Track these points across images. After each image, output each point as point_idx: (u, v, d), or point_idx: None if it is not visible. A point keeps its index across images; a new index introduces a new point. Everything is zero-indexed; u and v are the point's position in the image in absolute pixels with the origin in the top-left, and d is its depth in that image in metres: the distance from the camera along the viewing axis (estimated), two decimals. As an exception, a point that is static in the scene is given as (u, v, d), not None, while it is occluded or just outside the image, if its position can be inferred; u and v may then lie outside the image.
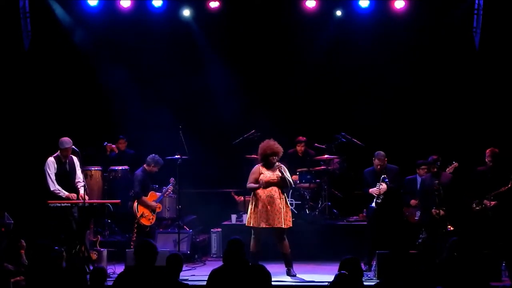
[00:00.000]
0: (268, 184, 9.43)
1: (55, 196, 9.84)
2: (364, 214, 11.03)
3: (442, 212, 9.67)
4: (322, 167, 12.08)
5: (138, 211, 10.72)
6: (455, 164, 10.04)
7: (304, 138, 12.29)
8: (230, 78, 12.87)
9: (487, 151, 10.11)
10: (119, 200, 10.41)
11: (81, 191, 9.90)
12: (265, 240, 9.68)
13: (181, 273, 6.95)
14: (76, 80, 12.78)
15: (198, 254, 11.19)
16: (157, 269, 6.68)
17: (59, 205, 9.76)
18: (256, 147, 9.84)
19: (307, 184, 11.97)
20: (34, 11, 12.55)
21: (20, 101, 12.45)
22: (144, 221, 10.74)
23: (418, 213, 10.40)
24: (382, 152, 9.98)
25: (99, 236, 10.53)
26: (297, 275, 9.50)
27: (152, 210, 10.86)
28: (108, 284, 7.05)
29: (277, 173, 9.46)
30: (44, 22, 12.62)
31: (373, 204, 9.87)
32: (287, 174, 9.54)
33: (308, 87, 13.02)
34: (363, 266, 8.55)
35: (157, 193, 11.08)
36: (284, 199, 9.50)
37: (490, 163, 10.04)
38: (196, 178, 12.08)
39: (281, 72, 12.98)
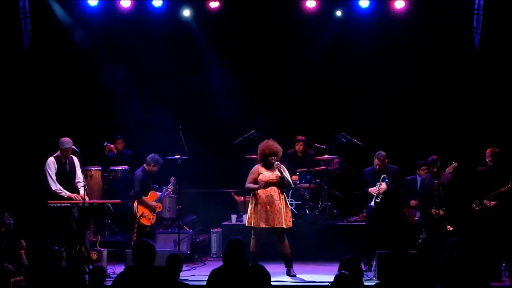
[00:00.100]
0: (267, 184, 9.43)
1: (56, 196, 9.84)
2: (364, 214, 11.02)
3: (441, 212, 9.67)
4: (322, 167, 12.08)
5: (138, 211, 10.72)
6: (454, 164, 10.05)
7: (303, 137, 12.29)
8: (230, 78, 12.87)
9: (488, 151, 10.11)
10: (119, 200, 10.41)
11: (81, 191, 9.90)
12: (265, 240, 9.69)
13: (181, 273, 6.95)
14: (76, 80, 12.78)
15: (198, 254, 11.19)
16: (157, 269, 6.68)
17: (59, 205, 9.76)
18: (256, 147, 9.84)
19: (307, 184, 11.97)
20: (34, 11, 12.55)
21: (20, 101, 12.45)
22: (144, 221, 10.74)
23: (418, 214, 10.40)
24: (383, 153, 9.98)
25: (99, 236, 10.54)
26: (297, 275, 9.50)
27: (152, 210, 10.86)
28: (108, 284, 7.05)
29: (276, 173, 9.46)
30: (44, 22, 12.62)
31: (372, 203, 9.87)
32: (287, 174, 9.54)
33: (308, 87, 13.02)
34: (363, 266, 8.57)
35: (157, 193, 11.09)
36: (283, 199, 9.50)
37: (490, 163, 10.03)
38: (196, 178, 12.09)
39: (281, 72, 12.98)
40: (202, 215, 12.31)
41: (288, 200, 11.43)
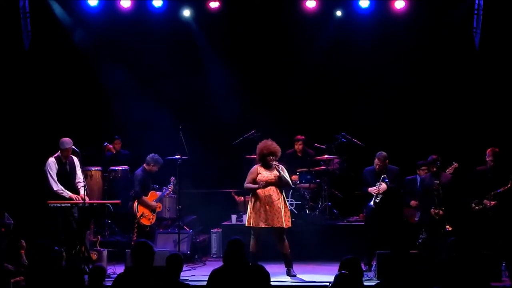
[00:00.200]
0: (266, 184, 9.44)
1: (57, 196, 9.85)
2: (364, 214, 11.02)
3: (441, 212, 9.68)
4: (322, 167, 12.08)
5: (138, 211, 10.73)
6: (455, 164, 10.05)
7: (302, 137, 12.28)
8: (230, 78, 12.87)
9: (488, 150, 10.09)
10: (119, 200, 10.43)
11: (81, 191, 9.91)
12: (265, 240, 9.68)
13: (181, 274, 6.95)
14: (76, 80, 12.78)
15: (198, 254, 11.18)
16: (157, 270, 6.68)
17: (59, 205, 9.77)
18: (256, 147, 9.84)
19: (307, 184, 11.97)
20: (34, 11, 12.55)
21: (20, 101, 12.45)
22: (144, 221, 10.75)
23: (418, 214, 10.41)
24: (383, 153, 9.98)
25: (99, 236, 10.53)
26: (297, 275, 9.49)
27: (152, 210, 10.86)
28: (108, 284, 7.06)
29: (275, 173, 9.47)
30: (44, 22, 12.62)
31: (371, 203, 9.87)
32: (285, 174, 9.54)
33: (308, 87, 13.02)
34: (363, 266, 8.57)
35: (158, 193, 11.09)
36: (282, 198, 9.50)
37: (491, 163, 10.02)
38: (196, 178, 12.09)
39: (281, 72, 12.98)
40: (202, 215, 12.30)
41: (288, 200, 11.51)
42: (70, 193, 9.90)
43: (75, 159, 10.13)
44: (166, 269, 6.70)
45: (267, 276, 6.78)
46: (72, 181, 10.03)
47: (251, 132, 11.70)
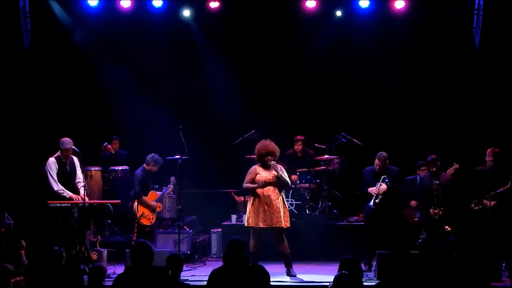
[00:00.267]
0: (265, 184, 9.44)
1: (58, 196, 9.86)
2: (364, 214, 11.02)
3: (440, 212, 9.68)
4: (322, 167, 12.08)
5: (138, 211, 10.72)
6: (456, 165, 10.04)
7: (302, 137, 12.28)
8: (230, 78, 12.87)
9: (488, 151, 10.09)
10: (119, 200, 10.43)
11: (81, 191, 9.92)
12: (265, 240, 9.68)
13: (181, 274, 6.95)
14: (76, 80, 12.78)
15: (198, 254, 11.19)
16: (158, 270, 6.69)
17: (59, 205, 9.78)
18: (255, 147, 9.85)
19: (307, 185, 11.96)
20: (34, 11, 12.55)
21: (20, 101, 12.45)
22: (144, 221, 10.74)
23: (418, 214, 10.40)
24: (384, 153, 9.98)
25: (99, 236, 10.53)
26: (297, 275, 9.50)
27: (152, 209, 10.86)
28: (107, 284, 7.05)
29: (274, 173, 9.48)
30: (44, 22, 12.62)
31: (371, 203, 9.86)
32: (284, 174, 9.55)
33: (308, 87, 13.02)
34: (363, 266, 8.56)
35: (158, 192, 11.08)
36: (281, 198, 9.51)
37: (491, 163, 10.02)
38: (196, 178, 12.08)
39: (281, 72, 12.98)
40: (202, 215, 12.30)
41: (288, 200, 11.53)
42: (70, 193, 9.91)
43: (75, 159, 10.14)
44: (166, 269, 6.71)
45: (267, 276, 6.79)
46: (72, 181, 10.03)
47: (251, 132, 11.69)
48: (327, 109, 12.98)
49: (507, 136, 11.51)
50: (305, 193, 11.90)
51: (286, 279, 9.38)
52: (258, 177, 9.49)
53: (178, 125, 10.81)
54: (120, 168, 12.21)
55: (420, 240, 9.89)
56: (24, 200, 11.64)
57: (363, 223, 10.73)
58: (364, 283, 6.83)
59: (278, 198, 9.45)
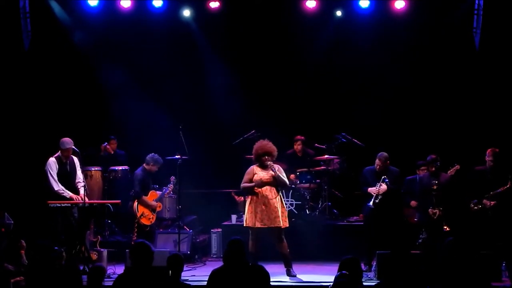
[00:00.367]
0: (262, 184, 9.45)
1: (58, 196, 9.86)
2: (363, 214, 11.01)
3: (438, 212, 9.68)
4: (322, 167, 12.08)
5: (138, 211, 10.72)
6: (457, 166, 10.01)
7: (302, 137, 12.27)
8: (230, 78, 12.87)
9: (488, 150, 10.08)
10: (119, 200, 10.43)
11: (81, 191, 9.93)
12: (265, 240, 9.68)
13: (182, 274, 6.94)
14: (76, 80, 12.78)
15: (198, 254, 11.19)
16: (158, 270, 6.68)
17: (59, 205, 9.78)
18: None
19: (307, 185, 11.96)
20: (34, 11, 12.55)
21: (20, 101, 12.45)
22: (144, 221, 10.74)
23: (418, 214, 10.40)
24: (385, 154, 9.98)
25: (99, 237, 10.54)
26: (297, 276, 9.50)
27: (152, 209, 10.86)
28: (108, 284, 7.05)
29: (271, 173, 9.48)
30: (44, 22, 12.62)
31: (371, 203, 9.86)
32: (282, 174, 9.55)
33: (308, 87, 13.02)
34: (363, 266, 8.56)
35: (158, 192, 11.08)
36: (279, 198, 9.52)
37: (490, 163, 10.01)
38: (196, 178, 12.08)
39: (281, 72, 12.98)
40: (202, 215, 12.30)
41: (288, 200, 11.54)
42: (70, 193, 9.91)
43: (75, 159, 10.15)
44: (166, 269, 6.71)
45: (267, 276, 6.79)
46: (72, 181, 10.04)
47: (251, 132, 11.69)
48: (327, 109, 12.97)
49: (507, 136, 11.51)
50: (305, 193, 11.90)
51: (286, 279, 9.38)
52: (255, 177, 9.51)
53: (178, 125, 10.81)
54: (120, 168, 12.21)
55: (420, 240, 9.88)
56: (24, 200, 11.64)
57: (362, 223, 10.73)
58: (364, 283, 6.83)
59: (276, 198, 9.46)
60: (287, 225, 9.56)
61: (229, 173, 12.36)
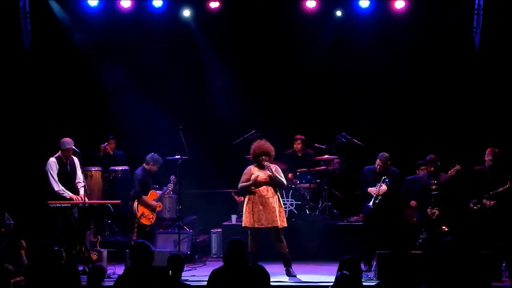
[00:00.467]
0: (260, 184, 9.45)
1: (58, 196, 9.86)
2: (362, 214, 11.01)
3: (437, 212, 9.68)
4: (322, 167, 12.08)
5: (138, 211, 10.72)
6: (457, 166, 9.99)
7: (302, 136, 12.27)
8: (230, 78, 12.87)
9: (488, 150, 10.07)
10: (119, 201, 10.43)
11: (81, 191, 9.93)
12: (265, 240, 9.68)
13: (182, 274, 6.95)
14: (76, 80, 12.78)
15: (198, 254, 11.19)
16: (159, 270, 6.68)
17: (59, 205, 9.78)
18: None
19: (307, 185, 11.96)
20: (34, 11, 12.55)
21: (20, 101, 12.45)
22: (144, 221, 10.74)
23: (417, 214, 10.39)
24: (386, 154, 9.98)
25: (99, 237, 10.53)
26: (297, 276, 9.49)
27: (153, 209, 10.86)
28: (108, 285, 7.06)
29: (268, 173, 9.48)
30: (44, 22, 12.62)
31: (371, 204, 9.86)
32: (279, 174, 9.55)
33: (308, 87, 13.02)
34: (363, 266, 8.57)
35: (158, 192, 11.08)
36: (277, 198, 9.52)
37: (490, 162, 10.00)
38: (196, 178, 12.09)
39: (281, 72, 12.98)
40: (202, 215, 12.30)
41: (289, 200, 11.53)
42: (71, 194, 9.91)
43: (76, 159, 10.15)
44: (166, 269, 6.71)
45: (267, 276, 6.79)
46: (72, 181, 10.04)
47: (251, 132, 11.69)
48: (327, 109, 12.97)
49: (507, 136, 11.51)
50: (305, 193, 11.89)
51: (286, 279, 9.38)
52: (253, 177, 9.51)
53: (178, 125, 10.81)
54: (120, 168, 12.21)
55: (420, 240, 9.88)
56: (24, 200, 11.64)
57: (362, 223, 10.72)
58: (364, 283, 6.83)
59: (273, 198, 9.47)
60: (285, 225, 9.56)
61: (229, 173, 12.34)
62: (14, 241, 9.42)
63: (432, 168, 9.86)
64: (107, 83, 12.71)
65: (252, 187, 9.49)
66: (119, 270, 9.23)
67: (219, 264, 7.23)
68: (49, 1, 12.60)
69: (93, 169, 11.96)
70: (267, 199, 9.41)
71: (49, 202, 9.78)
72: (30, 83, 12.52)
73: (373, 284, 7.07)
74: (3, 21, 12.16)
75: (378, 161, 9.99)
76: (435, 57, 12.56)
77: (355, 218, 11.81)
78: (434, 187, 9.72)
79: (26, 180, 11.88)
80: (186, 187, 11.37)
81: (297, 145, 12.25)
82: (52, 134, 11.01)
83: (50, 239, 9.06)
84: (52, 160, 9.97)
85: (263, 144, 9.61)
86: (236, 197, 12.27)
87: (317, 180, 12.04)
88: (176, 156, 10.79)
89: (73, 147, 9.98)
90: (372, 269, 9.66)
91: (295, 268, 9.61)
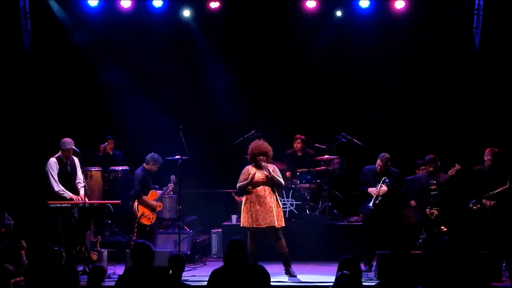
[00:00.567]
0: (257, 183, 9.46)
1: (58, 196, 9.86)
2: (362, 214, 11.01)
3: (436, 212, 9.68)
4: (322, 168, 12.08)
5: (138, 211, 10.71)
6: (457, 166, 9.97)
7: (302, 136, 12.26)
8: (230, 78, 12.87)
9: (487, 150, 10.06)
10: (119, 201, 10.43)
11: (82, 191, 9.93)
12: (265, 240, 9.68)
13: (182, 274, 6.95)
14: (76, 81, 12.78)
15: (199, 254, 11.19)
16: (159, 270, 6.69)
17: (59, 205, 9.78)
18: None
19: (307, 185, 11.96)
20: (34, 11, 12.56)
21: (20, 101, 12.45)
22: (144, 221, 10.73)
23: (416, 214, 10.38)
24: (387, 155, 9.98)
25: (99, 237, 10.54)
26: (297, 276, 9.49)
27: (153, 209, 10.85)
28: (108, 285, 7.06)
29: (266, 173, 9.49)
30: (44, 22, 12.62)
31: (370, 204, 9.86)
32: (277, 174, 9.55)
33: (308, 87, 13.02)
34: (363, 266, 8.57)
35: (158, 192, 11.08)
36: (275, 198, 9.52)
37: (489, 162, 9.99)
38: (196, 178, 12.08)
39: (281, 72, 12.98)
40: (202, 216, 12.31)
41: (289, 200, 11.52)
42: (71, 194, 9.91)
43: (76, 159, 10.15)
44: (167, 269, 6.71)
45: (267, 276, 6.79)
46: (72, 181, 10.04)
47: (251, 132, 11.69)
48: (327, 109, 12.97)
49: (507, 136, 11.51)
50: (305, 193, 11.89)
51: (287, 280, 9.37)
52: (251, 174, 9.50)
53: (178, 125, 10.82)
54: (120, 168, 12.22)
55: (420, 240, 9.87)
56: (24, 200, 11.64)
57: (361, 223, 10.73)
58: (364, 283, 6.82)
59: (271, 198, 9.47)
60: (283, 225, 9.55)
61: (229, 173, 12.32)
62: (14, 241, 9.42)
63: (432, 168, 9.86)
64: (107, 83, 12.70)
65: (250, 187, 9.49)
66: (119, 270, 9.23)
67: (219, 264, 7.23)
68: (49, 1, 12.60)
69: (93, 169, 11.96)
70: (264, 198, 9.41)
71: (49, 202, 9.78)
72: (30, 84, 12.52)
73: (373, 284, 7.07)
74: (3, 21, 12.17)
75: (378, 161, 9.99)
76: (435, 57, 12.56)
77: (355, 218, 11.81)
78: (433, 187, 9.72)
79: (26, 180, 11.89)
80: (186, 187, 11.37)
81: (297, 145, 12.24)
82: (52, 134, 11.01)
83: (50, 239, 9.07)
84: (53, 160, 9.97)
85: (261, 144, 9.61)
86: (236, 197, 12.25)
87: (317, 180, 12.04)
88: (176, 156, 10.80)
89: (74, 147, 9.98)
90: (372, 269, 9.66)
91: (295, 268, 9.61)
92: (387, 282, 6.79)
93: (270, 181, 9.50)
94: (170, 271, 6.75)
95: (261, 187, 9.47)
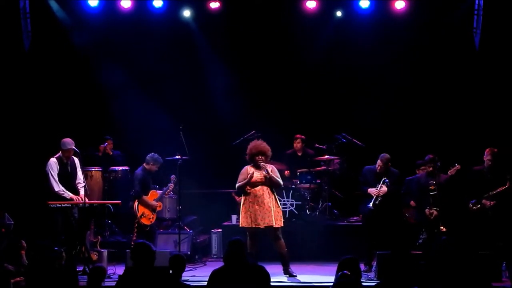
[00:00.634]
0: (256, 184, 9.46)
1: (58, 196, 9.86)
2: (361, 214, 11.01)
3: (435, 213, 9.68)
4: (323, 168, 12.08)
5: (138, 211, 10.72)
6: (457, 166, 9.98)
7: (302, 136, 12.26)
8: (230, 78, 12.87)
9: (486, 150, 10.07)
10: (120, 201, 10.43)
11: (82, 191, 9.93)
12: (264, 240, 9.68)
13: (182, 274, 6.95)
14: (76, 81, 12.78)
15: (199, 254, 11.19)
16: (159, 270, 6.69)
17: (59, 205, 9.78)
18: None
19: (307, 185, 11.96)
20: (34, 11, 12.56)
21: (20, 101, 12.45)
22: (144, 221, 10.74)
23: (416, 215, 10.39)
24: (387, 155, 9.98)
25: (99, 237, 10.55)
26: (297, 276, 9.49)
27: (153, 209, 10.86)
28: (108, 285, 7.06)
29: (264, 173, 9.49)
30: (45, 22, 12.62)
31: (370, 205, 9.86)
32: (276, 174, 9.55)
33: (308, 87, 13.02)
34: (363, 267, 8.56)
35: (158, 192, 11.08)
36: (273, 198, 9.52)
37: (489, 162, 10.00)
38: (196, 178, 12.08)
39: (281, 72, 12.98)
40: (202, 216, 12.31)
41: (289, 201, 11.52)
42: (71, 194, 9.91)
43: (76, 159, 10.16)
44: (167, 269, 6.71)
45: (267, 276, 6.79)
46: (72, 181, 10.05)
47: (251, 132, 11.68)
48: (327, 109, 12.98)
49: (507, 136, 11.51)
50: (306, 193, 11.89)
51: (287, 280, 9.37)
52: (249, 174, 9.51)
53: (179, 125, 10.82)
54: (120, 168, 12.21)
55: (420, 240, 9.88)
56: (24, 200, 11.64)
57: (361, 223, 10.73)
58: (364, 283, 6.82)
59: (269, 198, 9.48)
60: (282, 225, 9.54)
61: (229, 173, 12.28)
62: (14, 241, 9.42)
63: (431, 168, 9.86)
64: (107, 83, 12.70)
65: (248, 187, 9.49)
66: (119, 270, 9.23)
67: (219, 264, 7.23)
68: (49, 1, 12.60)
69: (93, 169, 11.95)
70: (263, 199, 9.42)
71: (49, 202, 9.78)
72: (30, 84, 12.52)
73: (373, 284, 7.07)
74: (3, 21, 12.17)
75: (378, 161, 9.99)
76: (435, 57, 12.57)
77: (355, 218, 11.81)
78: (432, 187, 9.73)
79: (26, 180, 11.89)
80: (186, 187, 11.38)
81: (297, 144, 12.25)
82: (52, 135, 11.01)
83: (50, 239, 9.09)
84: (53, 161, 9.98)
85: (260, 144, 9.62)
86: (236, 197, 12.24)
87: (317, 181, 12.04)
88: (176, 156, 10.79)
89: (74, 148, 9.99)
90: (372, 269, 9.67)
91: (295, 268, 9.61)
92: (387, 282, 6.78)
93: (268, 181, 9.50)
94: (170, 271, 6.75)
95: (259, 187, 9.48)
